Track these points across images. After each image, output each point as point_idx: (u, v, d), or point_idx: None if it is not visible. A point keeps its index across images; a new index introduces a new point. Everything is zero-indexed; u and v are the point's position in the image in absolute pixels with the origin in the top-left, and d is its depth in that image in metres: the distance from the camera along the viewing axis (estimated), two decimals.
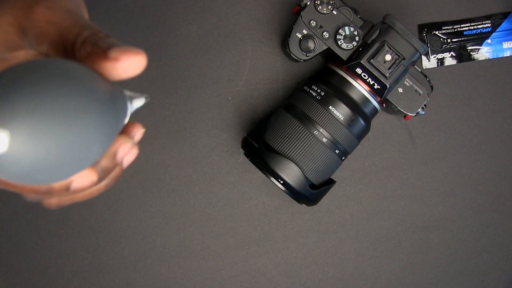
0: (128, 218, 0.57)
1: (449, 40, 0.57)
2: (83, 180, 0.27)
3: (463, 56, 0.58)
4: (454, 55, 0.58)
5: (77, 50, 0.26)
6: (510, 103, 0.58)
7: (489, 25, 0.58)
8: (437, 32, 0.57)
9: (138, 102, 0.28)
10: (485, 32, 0.58)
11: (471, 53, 0.58)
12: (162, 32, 0.57)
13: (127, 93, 0.27)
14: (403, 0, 0.58)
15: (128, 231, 0.57)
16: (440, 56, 0.57)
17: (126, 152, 0.28)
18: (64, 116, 0.22)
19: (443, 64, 0.58)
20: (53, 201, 0.29)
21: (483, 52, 0.58)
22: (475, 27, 0.58)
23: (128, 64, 0.25)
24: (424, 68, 0.58)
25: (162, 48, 0.57)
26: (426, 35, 0.57)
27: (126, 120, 0.27)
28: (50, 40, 0.27)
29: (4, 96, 0.21)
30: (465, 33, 0.58)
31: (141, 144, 0.29)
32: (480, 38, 0.58)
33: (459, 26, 0.58)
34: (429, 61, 0.58)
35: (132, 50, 0.25)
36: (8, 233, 0.56)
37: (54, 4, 0.27)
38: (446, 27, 0.57)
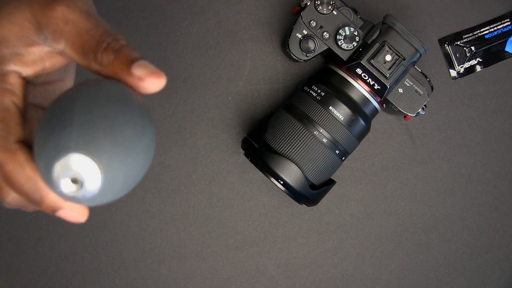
0: (128, 218, 0.57)
1: (472, 48, 0.57)
2: None
3: (489, 59, 0.58)
4: (481, 60, 0.57)
5: (99, 56, 0.27)
6: (510, 103, 0.58)
7: (509, 23, 0.57)
8: (459, 42, 0.56)
9: None
10: (506, 31, 0.58)
11: (497, 54, 0.58)
12: (162, 32, 0.56)
13: None
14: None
15: (128, 231, 0.57)
16: (467, 65, 0.57)
17: None
18: (134, 138, 0.24)
19: (473, 71, 0.57)
20: None
21: (509, 51, 0.58)
22: (495, 28, 0.57)
23: (150, 85, 0.26)
24: (453, 79, 0.57)
25: (162, 48, 0.57)
26: (448, 47, 0.57)
27: None
28: (67, 39, 0.27)
29: (87, 133, 0.23)
30: (486, 36, 0.57)
31: None
32: (502, 38, 0.58)
33: (479, 31, 0.57)
34: (458, 72, 0.57)
35: (155, 72, 0.26)
36: (8, 233, 0.56)
37: (73, 3, 0.28)
38: (466, 35, 0.57)
